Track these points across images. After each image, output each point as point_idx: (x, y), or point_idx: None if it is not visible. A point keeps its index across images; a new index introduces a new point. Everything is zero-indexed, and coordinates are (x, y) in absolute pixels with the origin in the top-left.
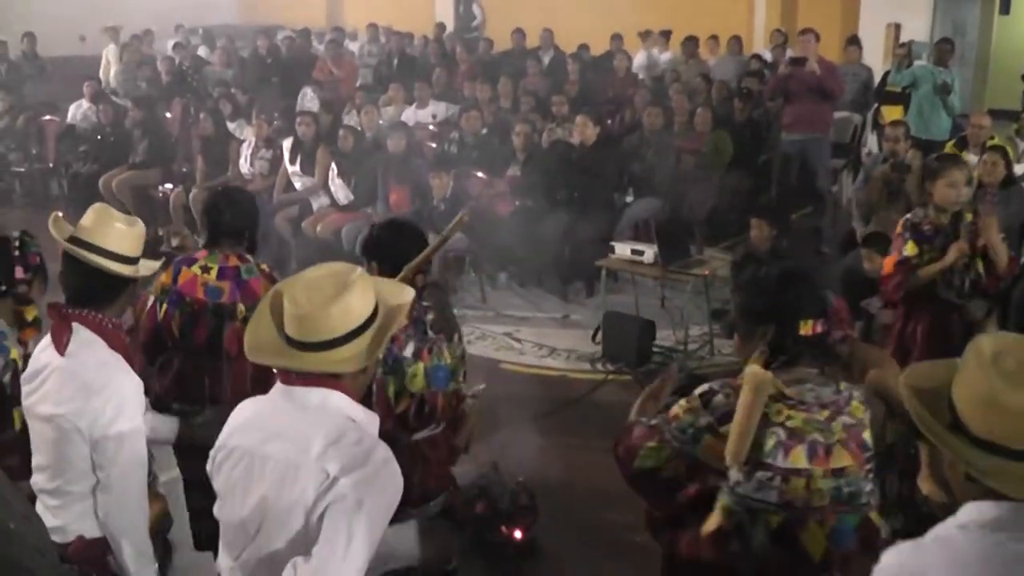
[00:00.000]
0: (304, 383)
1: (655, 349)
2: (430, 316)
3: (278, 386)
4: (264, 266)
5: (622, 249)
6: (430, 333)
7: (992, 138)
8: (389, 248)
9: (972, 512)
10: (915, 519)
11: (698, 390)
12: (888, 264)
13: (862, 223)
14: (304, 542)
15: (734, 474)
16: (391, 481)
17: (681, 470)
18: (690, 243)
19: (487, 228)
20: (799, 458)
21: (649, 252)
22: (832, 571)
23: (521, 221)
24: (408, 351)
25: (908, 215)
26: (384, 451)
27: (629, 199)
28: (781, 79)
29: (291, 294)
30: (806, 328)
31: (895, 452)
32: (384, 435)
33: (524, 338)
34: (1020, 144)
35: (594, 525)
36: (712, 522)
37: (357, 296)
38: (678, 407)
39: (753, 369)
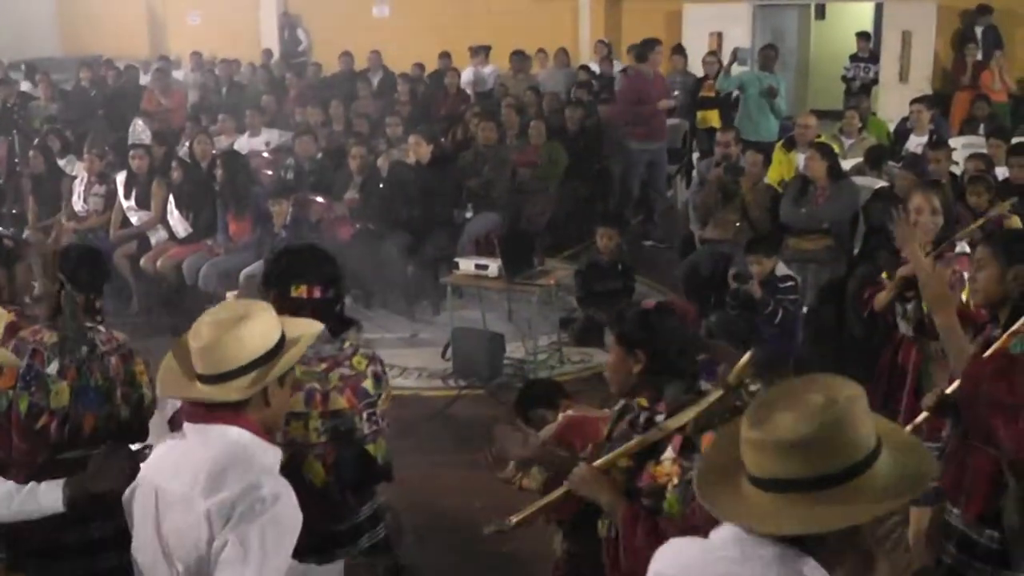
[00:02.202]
0: (208, 419)
1: (505, 361)
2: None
3: (187, 423)
4: None
5: (466, 265)
6: (82, 352)
7: (818, 136)
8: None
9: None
10: None
11: None
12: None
13: (699, 226)
14: None
15: None
16: (278, 516)
17: None
18: (532, 255)
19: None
20: (297, 403)
21: (493, 266)
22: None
23: (363, 243)
24: (52, 368)
25: None
26: (273, 486)
27: (469, 215)
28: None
29: (196, 327)
30: (298, 291)
31: None
32: (20, 451)
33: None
34: (846, 141)
35: (463, 539)
36: None
37: (254, 326)
38: None
39: None
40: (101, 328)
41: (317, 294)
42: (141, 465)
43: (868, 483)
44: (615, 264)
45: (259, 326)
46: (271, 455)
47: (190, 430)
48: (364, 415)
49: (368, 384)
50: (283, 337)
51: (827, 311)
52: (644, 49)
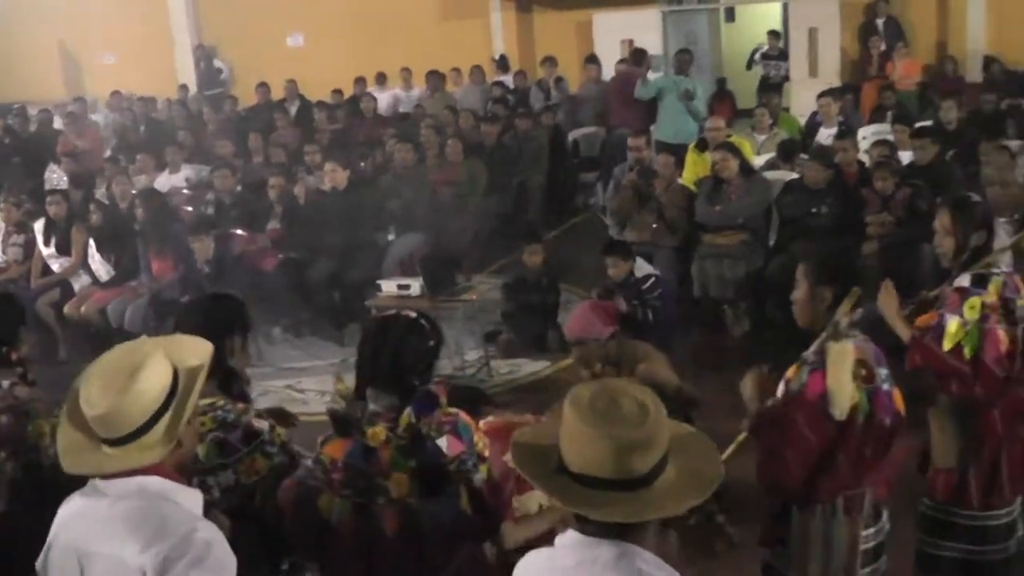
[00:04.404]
0: (122, 473)
1: (435, 379)
2: None
3: (99, 480)
4: None
5: (388, 286)
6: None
7: (729, 136)
8: None
9: (560, 536)
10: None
11: None
12: None
13: (618, 229)
14: None
15: None
16: (218, 560)
17: None
18: (456, 271)
19: (254, 284)
20: None
21: (415, 285)
22: None
23: (287, 273)
24: None
25: None
26: (206, 531)
27: (391, 237)
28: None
29: (85, 393)
30: None
31: None
32: None
33: (306, 388)
34: (758, 138)
35: None
36: None
37: (148, 376)
38: None
39: None
40: (3, 384)
41: None
42: (53, 525)
43: (665, 483)
44: (540, 278)
45: (151, 372)
46: (193, 498)
47: (104, 486)
48: (193, 481)
49: (201, 450)
50: (176, 372)
51: (748, 302)
52: (639, 56)
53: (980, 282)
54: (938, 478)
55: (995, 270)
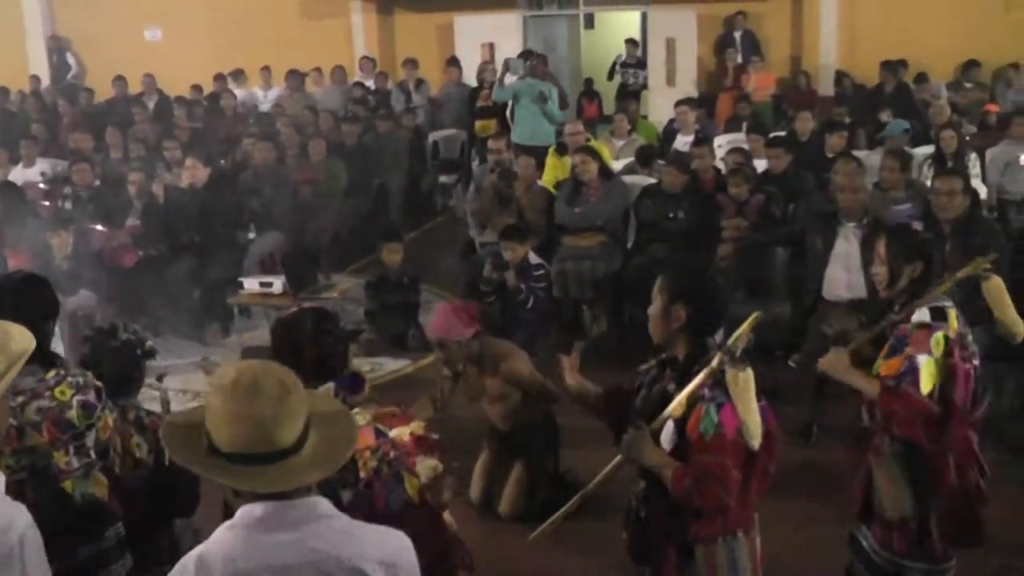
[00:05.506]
0: None
1: None
2: None
3: None
4: None
5: (251, 284)
6: None
7: (588, 140)
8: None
9: (240, 514)
10: (563, 491)
11: None
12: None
13: (478, 231)
14: None
15: None
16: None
17: None
18: (317, 270)
19: (113, 282)
20: None
21: (278, 283)
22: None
23: (147, 270)
24: None
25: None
26: (22, 514)
27: (252, 235)
28: None
29: None
30: None
31: (536, 429)
32: None
33: (167, 387)
34: (616, 143)
35: None
36: None
37: None
38: None
39: None
40: None
41: None
42: None
43: (308, 452)
44: (401, 277)
45: None
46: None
47: None
48: (70, 448)
49: (73, 415)
50: None
51: (606, 303)
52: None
53: (939, 316)
54: (890, 530)
55: (946, 302)
